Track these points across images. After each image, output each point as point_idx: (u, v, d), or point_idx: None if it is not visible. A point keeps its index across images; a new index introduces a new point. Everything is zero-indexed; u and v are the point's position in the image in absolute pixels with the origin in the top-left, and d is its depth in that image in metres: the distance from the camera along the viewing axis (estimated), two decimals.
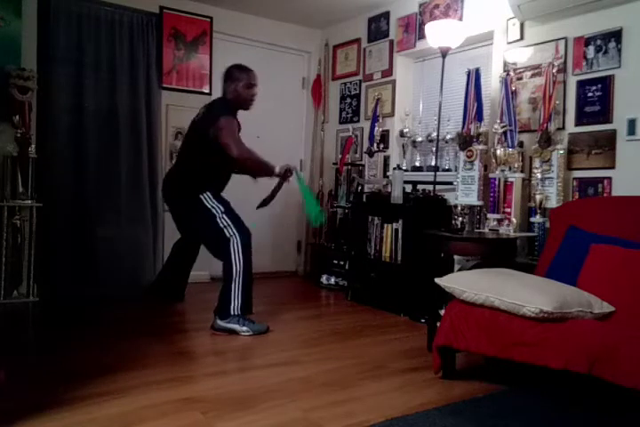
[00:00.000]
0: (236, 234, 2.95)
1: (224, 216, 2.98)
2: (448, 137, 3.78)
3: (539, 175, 3.02)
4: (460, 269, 2.65)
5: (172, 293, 3.51)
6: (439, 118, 3.57)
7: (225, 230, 2.96)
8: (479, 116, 3.31)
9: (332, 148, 4.90)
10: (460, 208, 3.21)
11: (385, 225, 3.76)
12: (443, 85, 3.49)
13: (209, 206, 2.99)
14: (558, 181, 2.99)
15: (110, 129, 3.97)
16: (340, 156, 4.63)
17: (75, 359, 2.43)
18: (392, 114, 4.28)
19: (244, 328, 2.92)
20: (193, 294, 3.57)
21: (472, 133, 3.30)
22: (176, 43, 4.27)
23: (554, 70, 3.03)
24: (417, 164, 4.08)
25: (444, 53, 3.46)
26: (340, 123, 4.84)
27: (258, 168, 3.07)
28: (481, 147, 3.24)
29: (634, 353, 1.73)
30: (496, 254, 2.82)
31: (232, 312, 2.92)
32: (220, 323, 2.94)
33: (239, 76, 3.08)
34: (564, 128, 3.10)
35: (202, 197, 3.00)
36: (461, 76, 3.54)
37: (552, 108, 3.02)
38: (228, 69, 3.19)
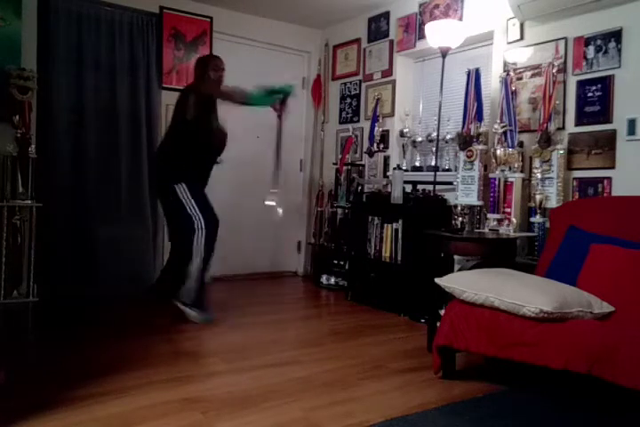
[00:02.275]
0: (203, 229, 3.08)
1: (194, 207, 3.10)
2: (448, 137, 3.78)
3: (539, 175, 3.02)
4: (460, 269, 2.65)
5: (171, 293, 3.52)
6: (439, 118, 3.57)
7: (194, 221, 3.09)
8: (479, 116, 3.31)
9: (332, 148, 4.90)
10: (459, 208, 3.21)
11: (385, 225, 3.76)
12: (443, 85, 3.49)
13: (181, 198, 3.10)
14: (558, 181, 2.99)
15: (110, 129, 3.97)
16: (340, 156, 4.62)
17: (75, 359, 2.44)
18: (392, 114, 4.28)
19: (192, 313, 3.14)
20: None
21: (472, 133, 3.30)
22: (176, 43, 4.27)
23: (554, 70, 3.03)
24: (417, 164, 4.08)
25: (444, 53, 3.45)
26: (340, 123, 4.84)
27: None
28: (481, 147, 3.24)
29: (634, 353, 1.73)
30: (496, 254, 2.82)
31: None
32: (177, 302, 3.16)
33: (206, 62, 3.29)
34: (564, 128, 3.10)
35: (176, 187, 3.11)
36: (461, 76, 3.54)
37: (552, 108, 3.02)
38: (196, 60, 3.45)
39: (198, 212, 3.10)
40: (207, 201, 3.19)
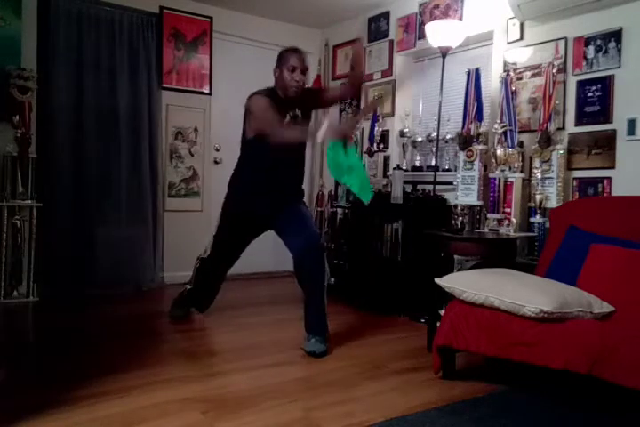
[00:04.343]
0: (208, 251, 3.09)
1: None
2: (448, 137, 3.78)
3: (539, 175, 3.02)
4: (460, 269, 2.65)
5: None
6: (439, 118, 3.57)
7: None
8: (479, 116, 3.30)
9: None
10: (460, 208, 3.20)
11: (385, 225, 3.75)
12: (443, 85, 3.49)
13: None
14: (558, 181, 2.99)
15: (110, 129, 3.97)
16: None
17: (75, 359, 2.44)
18: (392, 114, 4.28)
19: None
20: None
21: (472, 133, 3.30)
22: (176, 43, 4.27)
23: (554, 70, 3.03)
24: (417, 164, 4.08)
25: (444, 53, 3.46)
26: (340, 123, 4.84)
27: (302, 139, 2.74)
28: (481, 147, 3.24)
29: (634, 353, 1.73)
30: (496, 254, 2.82)
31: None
32: None
33: (284, 57, 2.86)
34: (563, 128, 3.10)
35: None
36: (461, 76, 3.54)
37: (552, 108, 3.02)
38: (279, 53, 2.98)
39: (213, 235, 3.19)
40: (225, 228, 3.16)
